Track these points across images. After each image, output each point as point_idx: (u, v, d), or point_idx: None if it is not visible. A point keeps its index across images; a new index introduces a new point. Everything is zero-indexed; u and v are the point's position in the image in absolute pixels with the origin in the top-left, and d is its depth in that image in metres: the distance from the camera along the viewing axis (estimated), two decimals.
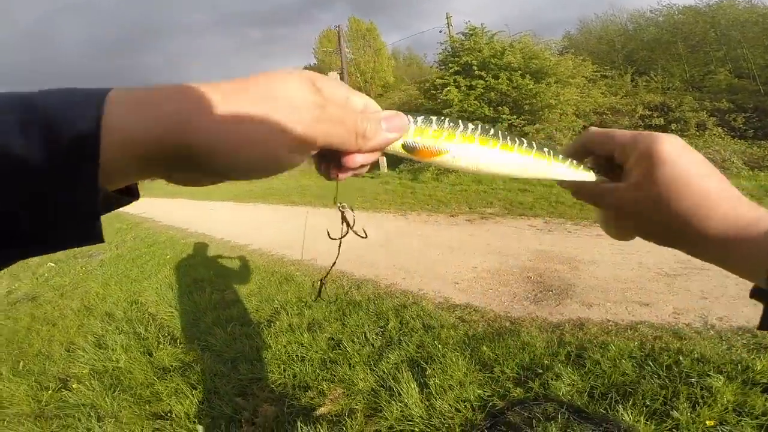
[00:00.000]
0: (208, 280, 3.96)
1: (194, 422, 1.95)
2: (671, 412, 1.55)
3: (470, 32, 10.15)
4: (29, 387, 2.50)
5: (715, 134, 7.28)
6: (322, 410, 1.90)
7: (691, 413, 1.53)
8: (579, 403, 1.66)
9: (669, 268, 3.02)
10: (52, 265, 6.34)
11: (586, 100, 9.22)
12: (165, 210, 12.00)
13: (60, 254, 7.23)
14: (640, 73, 11.13)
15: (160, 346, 2.74)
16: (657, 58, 11.48)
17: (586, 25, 15.37)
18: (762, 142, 6.75)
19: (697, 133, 7.41)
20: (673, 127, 7.80)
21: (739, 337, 2.02)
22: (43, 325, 3.52)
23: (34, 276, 5.66)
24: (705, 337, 2.05)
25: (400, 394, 1.87)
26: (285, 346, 2.46)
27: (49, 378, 2.58)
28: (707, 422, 1.48)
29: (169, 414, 2.04)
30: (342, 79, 17.14)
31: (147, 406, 2.13)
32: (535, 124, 8.82)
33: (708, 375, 1.71)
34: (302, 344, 2.46)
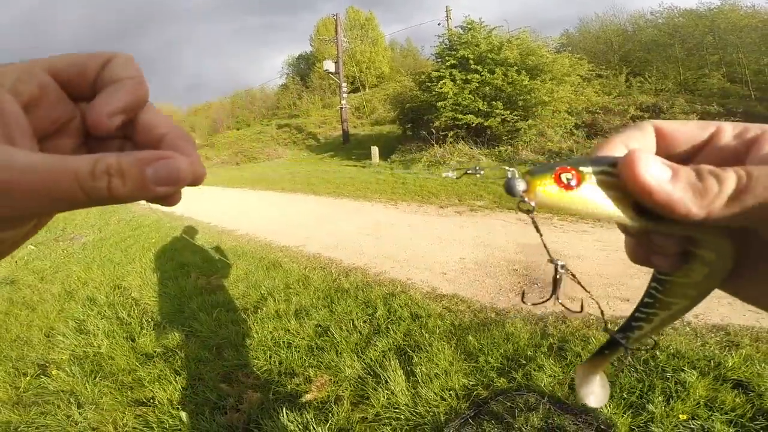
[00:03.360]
0: (194, 264, 3.92)
1: (177, 409, 1.94)
2: (647, 405, 1.60)
3: (469, 26, 10.09)
4: (6, 373, 2.43)
5: None
6: (308, 397, 1.91)
7: (665, 407, 1.58)
8: (560, 395, 1.70)
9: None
10: (33, 248, 6.20)
11: (580, 99, 9.28)
12: None
13: (40, 237, 7.08)
14: (635, 73, 11.23)
15: (144, 331, 2.71)
16: (653, 59, 11.58)
17: (585, 24, 15.41)
18: None
19: None
20: None
21: (713, 335, 2.08)
22: (21, 309, 3.44)
23: (12, 259, 5.52)
24: (681, 334, 2.11)
25: (387, 382, 1.89)
26: (271, 333, 2.46)
27: (27, 364, 2.51)
28: (680, 416, 1.52)
29: (151, 400, 2.03)
30: (337, 68, 16.95)
31: (129, 393, 2.11)
32: (527, 120, 8.85)
33: (682, 370, 1.76)
34: (289, 331, 2.46)
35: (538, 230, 0.24)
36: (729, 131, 0.22)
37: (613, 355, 0.31)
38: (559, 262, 0.27)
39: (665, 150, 0.24)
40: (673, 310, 0.26)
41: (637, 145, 0.24)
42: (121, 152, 0.19)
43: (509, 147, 8.79)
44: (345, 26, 25.64)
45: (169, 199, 0.21)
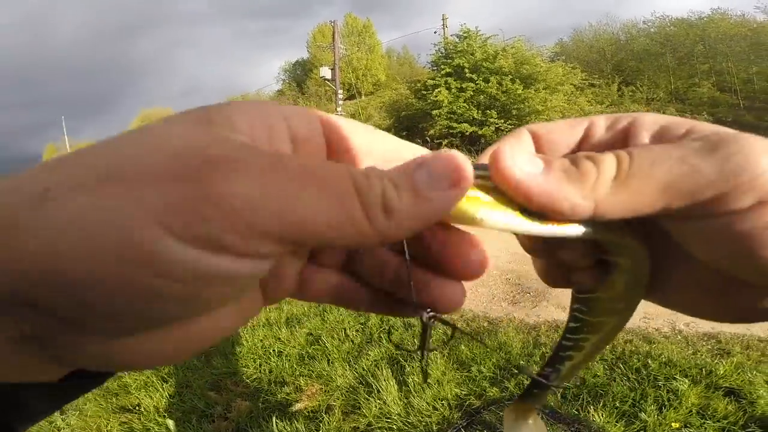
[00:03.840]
0: None
1: (164, 416, 1.91)
2: (639, 413, 1.59)
3: (464, 35, 10.20)
4: None
5: None
6: (298, 406, 1.89)
7: (658, 415, 1.57)
8: (552, 404, 1.69)
9: None
10: None
11: (573, 108, 9.38)
12: None
13: None
14: (627, 82, 11.36)
15: None
16: (644, 68, 11.71)
17: (579, 34, 15.57)
18: None
19: None
20: None
21: (704, 343, 2.09)
22: None
23: None
24: (673, 342, 2.11)
25: (379, 392, 1.87)
26: (261, 341, 2.43)
27: None
28: (673, 424, 1.52)
29: (137, 407, 2.00)
30: (334, 74, 17.04)
31: (114, 399, 2.08)
32: None
33: (674, 378, 1.75)
34: (280, 339, 2.44)
35: (408, 263, 0.19)
36: (601, 124, 0.21)
37: (544, 394, 0.27)
38: (426, 313, 0.21)
39: (542, 151, 0.22)
40: (604, 331, 0.24)
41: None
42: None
43: None
44: (342, 33, 25.84)
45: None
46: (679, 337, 2.20)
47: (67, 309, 0.12)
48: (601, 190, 0.16)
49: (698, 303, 0.21)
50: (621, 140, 0.20)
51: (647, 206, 0.16)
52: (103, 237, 0.11)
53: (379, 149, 0.19)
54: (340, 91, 17.22)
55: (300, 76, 31.63)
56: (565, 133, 0.21)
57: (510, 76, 8.96)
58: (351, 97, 26.24)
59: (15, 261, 0.11)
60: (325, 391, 1.97)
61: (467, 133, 9.21)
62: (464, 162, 0.15)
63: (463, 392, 1.84)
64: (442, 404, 1.78)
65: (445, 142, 9.47)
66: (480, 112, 9.16)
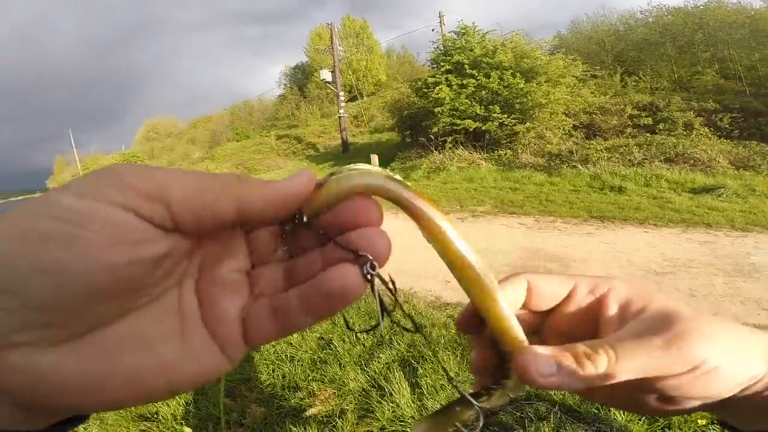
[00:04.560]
0: None
1: (181, 424, 1.91)
2: None
3: (462, 31, 10.15)
4: None
5: (701, 134, 7.38)
6: (312, 411, 1.88)
7: None
8: (571, 403, 1.66)
9: (657, 266, 3.05)
10: None
11: (576, 100, 9.28)
12: None
13: None
14: (629, 73, 11.23)
15: None
16: (646, 58, 11.59)
17: (577, 26, 15.46)
18: (747, 141, 6.87)
19: (684, 133, 7.50)
20: (660, 127, 7.89)
21: None
22: None
23: None
24: None
25: (391, 395, 1.85)
26: (273, 346, 2.43)
27: None
28: (699, 421, 1.49)
29: (155, 415, 2.00)
30: (334, 77, 17.06)
31: (133, 408, 2.08)
32: (525, 122, 8.86)
33: None
34: (291, 344, 2.43)
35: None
36: (584, 288, 0.28)
37: (464, 414, 0.27)
38: (369, 260, 0.23)
39: (533, 301, 0.29)
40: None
41: (512, 296, 0.28)
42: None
43: (509, 150, 8.78)
44: (340, 35, 25.87)
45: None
46: None
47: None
48: (595, 383, 0.24)
49: (612, 399, 0.28)
50: (597, 304, 0.28)
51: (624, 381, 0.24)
52: (39, 204, 0.16)
53: None
54: (342, 93, 17.22)
55: (301, 80, 31.72)
56: (555, 287, 0.29)
57: (510, 71, 8.89)
58: (353, 99, 26.26)
59: None
60: (338, 395, 1.96)
61: (471, 129, 9.16)
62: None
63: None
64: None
65: (449, 139, 9.43)
66: (483, 107, 9.10)
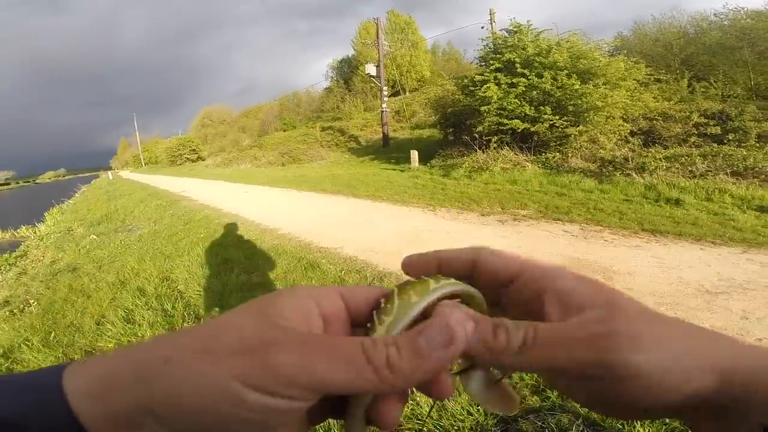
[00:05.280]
0: (237, 261, 4.08)
1: None
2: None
3: (515, 29, 9.81)
4: (56, 359, 2.58)
5: None
6: None
7: None
8: (596, 416, 1.58)
9: (711, 285, 2.82)
10: (95, 237, 6.72)
11: (637, 104, 8.72)
12: (203, 190, 12.49)
13: (102, 227, 7.67)
14: (698, 78, 10.39)
15: (185, 324, 2.84)
16: (719, 63, 10.68)
17: (641, 27, 14.49)
18: None
19: (757, 145, 6.83)
20: (730, 137, 7.24)
21: None
22: (78, 296, 3.71)
23: (77, 247, 6.03)
24: None
25: (412, 392, 1.85)
26: None
27: (75, 350, 2.67)
28: None
29: None
30: (378, 71, 17.10)
31: None
32: (578, 125, 8.45)
33: None
34: None
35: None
36: (529, 274, 0.28)
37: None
38: None
39: (480, 275, 0.29)
40: None
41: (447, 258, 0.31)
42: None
43: (558, 154, 8.41)
44: (386, 30, 25.85)
45: (438, 386, 0.24)
46: None
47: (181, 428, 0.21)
48: (507, 355, 0.23)
49: (573, 393, 0.26)
50: (539, 294, 0.27)
51: (538, 369, 0.24)
52: (204, 387, 0.20)
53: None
54: (385, 88, 17.25)
55: (346, 73, 32.12)
56: (501, 265, 0.29)
57: (566, 71, 8.50)
58: (395, 94, 26.25)
59: (147, 397, 0.20)
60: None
61: (519, 130, 8.88)
62: (456, 327, 0.23)
63: None
64: (478, 410, 1.72)
65: (494, 138, 9.19)
66: (533, 108, 8.78)
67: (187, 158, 34.48)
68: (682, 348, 0.22)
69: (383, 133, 17.34)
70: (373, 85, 22.40)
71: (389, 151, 15.92)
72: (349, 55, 33.19)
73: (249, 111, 39.31)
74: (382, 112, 17.09)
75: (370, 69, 17.43)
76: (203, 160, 32.53)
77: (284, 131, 27.83)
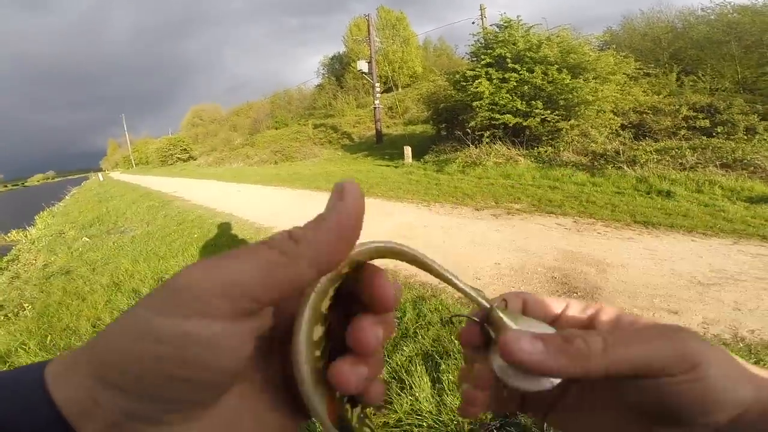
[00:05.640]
0: None
1: None
2: None
3: (505, 24, 9.83)
4: None
5: (765, 139, 6.80)
6: None
7: None
8: None
9: (703, 277, 2.87)
10: (87, 239, 6.64)
11: (627, 98, 8.79)
12: (195, 190, 12.39)
13: (94, 229, 7.58)
14: (687, 72, 10.50)
15: None
16: (706, 57, 10.81)
17: (629, 21, 14.63)
18: None
19: (746, 137, 6.92)
20: (719, 130, 7.33)
21: None
22: (73, 299, 3.67)
23: (69, 250, 5.96)
24: (733, 350, 1.94)
25: (411, 388, 1.86)
26: None
27: None
28: None
29: None
30: (370, 68, 17.05)
31: None
32: (569, 120, 8.50)
33: None
34: None
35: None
36: (576, 306, 0.30)
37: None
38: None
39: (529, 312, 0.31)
40: None
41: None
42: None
43: (550, 148, 8.47)
44: (377, 26, 25.75)
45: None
46: (741, 345, 2.02)
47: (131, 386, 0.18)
48: (591, 362, 0.23)
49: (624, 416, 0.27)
50: (589, 322, 0.29)
51: (620, 371, 0.23)
52: (124, 327, 0.19)
53: None
54: (377, 84, 17.20)
55: (338, 70, 31.95)
56: (546, 304, 0.31)
57: (556, 66, 8.54)
58: (388, 90, 26.18)
59: (95, 363, 0.19)
60: None
61: (511, 125, 8.91)
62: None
63: None
64: None
65: (487, 133, 9.22)
66: (524, 102, 8.82)
67: (178, 158, 34.16)
68: (731, 360, 0.24)
69: (376, 129, 17.31)
70: (365, 81, 22.33)
71: (382, 147, 15.90)
72: (341, 52, 33.03)
73: (240, 109, 38.98)
74: (375, 108, 17.05)
75: (362, 65, 17.36)
76: (194, 160, 32.25)
77: (276, 129, 27.65)
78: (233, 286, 0.19)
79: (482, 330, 0.28)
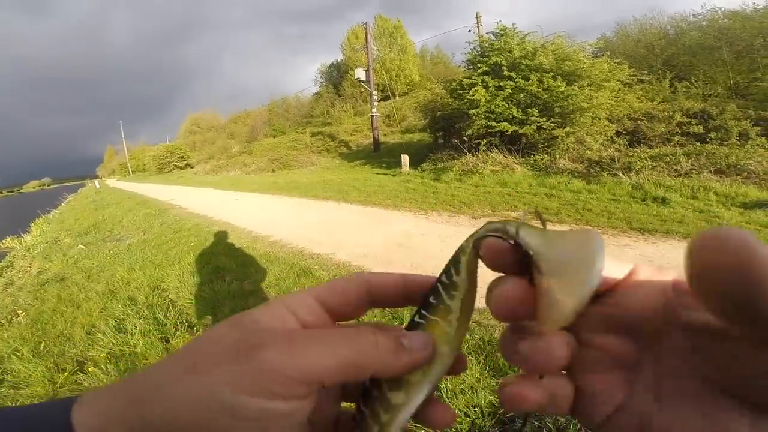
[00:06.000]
0: (228, 269, 4.05)
1: None
2: None
3: (501, 32, 9.95)
4: (47, 368, 2.54)
5: (758, 144, 6.88)
6: None
7: None
8: None
9: None
10: (83, 247, 6.61)
11: (621, 105, 8.89)
12: (192, 198, 12.36)
13: (90, 237, 7.55)
14: (680, 78, 10.64)
15: (177, 333, 2.81)
16: (699, 63, 10.97)
17: (623, 28, 14.83)
18: None
19: (739, 143, 7.01)
20: (712, 136, 7.42)
21: None
22: (68, 306, 3.65)
23: (64, 257, 5.93)
24: None
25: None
26: None
27: (67, 360, 2.63)
28: None
29: None
30: (368, 76, 17.17)
31: None
32: (565, 127, 8.57)
33: None
34: None
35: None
36: (646, 269, 0.22)
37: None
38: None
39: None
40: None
41: None
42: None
43: (546, 155, 8.53)
44: (374, 34, 25.98)
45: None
46: None
47: None
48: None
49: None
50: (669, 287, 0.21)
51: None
52: (196, 401, 0.20)
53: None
54: (375, 93, 17.31)
55: (336, 78, 32.18)
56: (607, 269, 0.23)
57: (551, 73, 8.63)
58: (385, 98, 26.35)
59: (143, 425, 0.20)
60: None
61: (507, 132, 8.97)
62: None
63: (497, 400, 1.79)
64: (475, 411, 1.73)
65: (483, 141, 9.27)
66: (520, 110, 8.89)
67: (176, 166, 34.14)
68: None
69: (374, 137, 17.38)
70: (362, 89, 22.47)
71: (380, 155, 15.95)
72: (338, 60, 33.30)
73: (237, 117, 39.10)
74: (372, 116, 17.13)
75: (360, 74, 17.48)
76: (192, 168, 32.22)
77: (274, 137, 27.70)
78: (313, 375, 0.21)
79: (515, 249, 0.23)
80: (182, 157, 34.48)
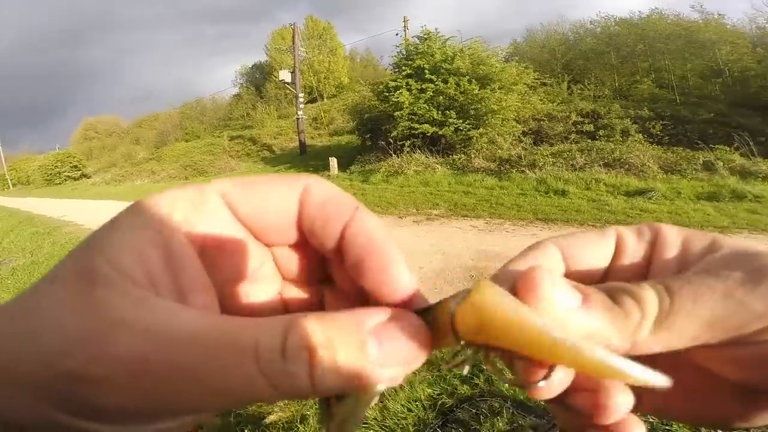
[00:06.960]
0: None
1: None
2: None
3: (425, 36, 10.30)
4: None
5: (636, 140, 7.99)
6: (272, 418, 1.84)
7: None
8: (521, 397, 1.75)
9: None
10: None
11: (527, 107, 9.72)
12: (90, 213, 11.00)
13: None
14: (576, 81, 11.78)
15: None
16: (592, 67, 12.21)
17: (531, 34, 15.94)
18: (675, 147, 7.54)
19: (621, 139, 8.09)
20: (601, 133, 8.48)
21: None
22: None
23: None
24: None
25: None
26: None
27: None
28: None
29: None
30: (294, 77, 16.73)
31: None
32: (479, 128, 9.16)
33: None
34: None
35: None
36: (630, 237, 0.20)
37: None
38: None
39: (573, 273, 0.20)
40: None
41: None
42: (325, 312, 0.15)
43: (463, 155, 9.04)
44: (303, 36, 25.42)
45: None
46: None
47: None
48: (642, 333, 0.16)
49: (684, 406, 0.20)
50: (649, 255, 0.20)
51: (687, 343, 0.16)
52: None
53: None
54: (301, 95, 16.94)
55: (258, 79, 30.80)
56: (594, 247, 0.20)
57: (467, 77, 9.15)
58: (313, 101, 25.88)
59: None
60: (298, 401, 1.93)
61: (428, 134, 9.34)
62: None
63: (435, 392, 1.87)
64: (416, 405, 1.80)
65: (407, 143, 9.55)
66: (440, 112, 9.30)
67: (68, 176, 29.95)
68: None
69: (300, 140, 16.97)
70: (287, 91, 21.81)
71: (307, 159, 15.64)
72: (262, 61, 31.89)
73: (144, 120, 35.51)
74: (298, 119, 16.72)
75: (285, 75, 16.95)
76: (88, 178, 28.53)
77: (186, 141, 25.67)
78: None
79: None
80: (76, 166, 30.36)
